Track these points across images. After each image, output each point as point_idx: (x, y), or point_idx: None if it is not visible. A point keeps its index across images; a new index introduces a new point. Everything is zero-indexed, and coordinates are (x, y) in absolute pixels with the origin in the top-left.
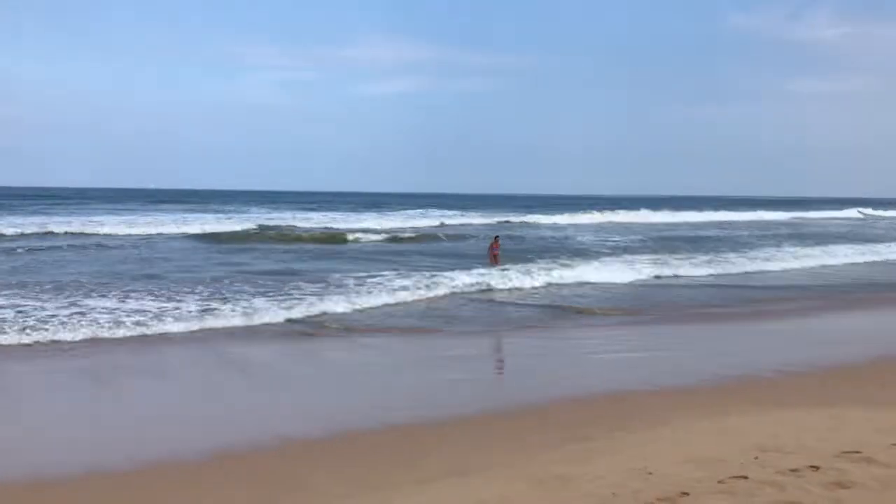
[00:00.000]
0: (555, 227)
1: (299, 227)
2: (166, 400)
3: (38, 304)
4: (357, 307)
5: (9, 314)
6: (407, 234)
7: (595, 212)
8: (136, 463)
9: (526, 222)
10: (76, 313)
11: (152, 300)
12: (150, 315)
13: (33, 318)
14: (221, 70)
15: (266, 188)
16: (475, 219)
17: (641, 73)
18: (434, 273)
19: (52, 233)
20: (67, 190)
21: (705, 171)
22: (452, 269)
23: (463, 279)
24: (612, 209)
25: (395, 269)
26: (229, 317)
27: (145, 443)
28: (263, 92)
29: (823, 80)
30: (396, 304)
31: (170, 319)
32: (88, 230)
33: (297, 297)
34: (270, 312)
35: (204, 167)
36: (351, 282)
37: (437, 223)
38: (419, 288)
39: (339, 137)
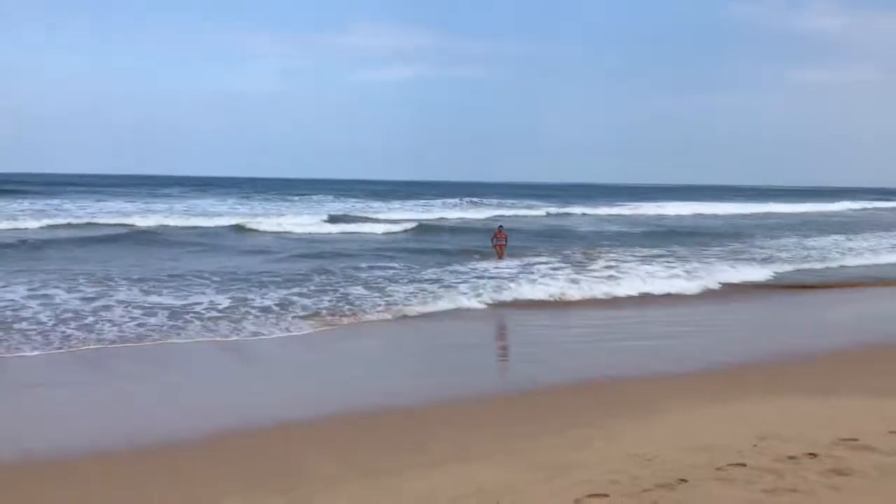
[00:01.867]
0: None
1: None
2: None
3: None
4: None
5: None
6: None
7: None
8: (139, 446)
9: (569, 213)
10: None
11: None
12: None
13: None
14: (219, 58)
15: (266, 175)
16: (533, 210)
17: (642, 62)
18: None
19: (139, 226)
20: (70, 176)
21: (704, 161)
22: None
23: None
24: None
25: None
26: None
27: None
28: (262, 80)
29: (825, 70)
30: None
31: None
32: (181, 223)
33: None
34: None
35: (202, 154)
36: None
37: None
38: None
39: (338, 125)
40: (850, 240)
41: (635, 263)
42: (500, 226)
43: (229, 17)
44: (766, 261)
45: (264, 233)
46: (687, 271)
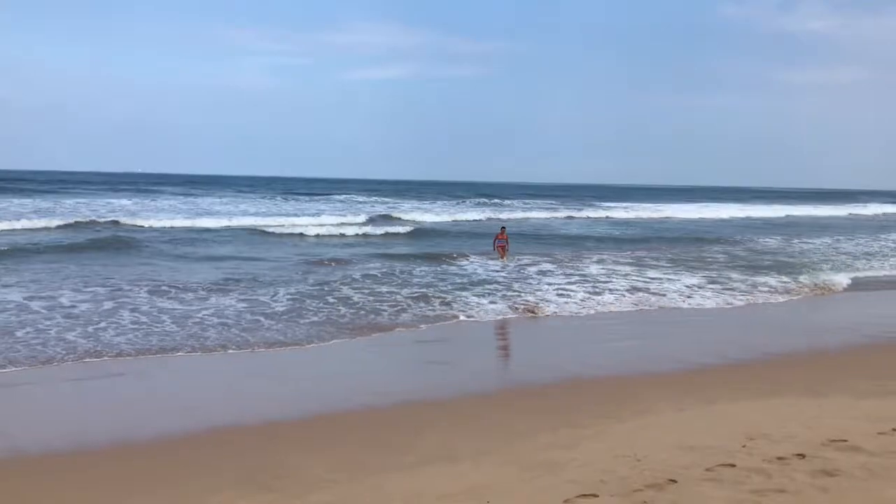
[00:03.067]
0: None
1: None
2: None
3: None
4: None
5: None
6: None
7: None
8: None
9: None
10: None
11: None
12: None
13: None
14: (212, 54)
15: (259, 174)
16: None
17: (633, 62)
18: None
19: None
20: (60, 173)
21: (696, 161)
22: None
23: None
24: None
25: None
26: None
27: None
28: (255, 77)
29: (816, 71)
30: None
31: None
32: (193, 224)
33: None
34: None
35: (194, 152)
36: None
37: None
38: None
39: (332, 123)
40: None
41: (635, 268)
42: (503, 227)
43: (222, 14)
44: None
45: (281, 235)
46: (712, 280)
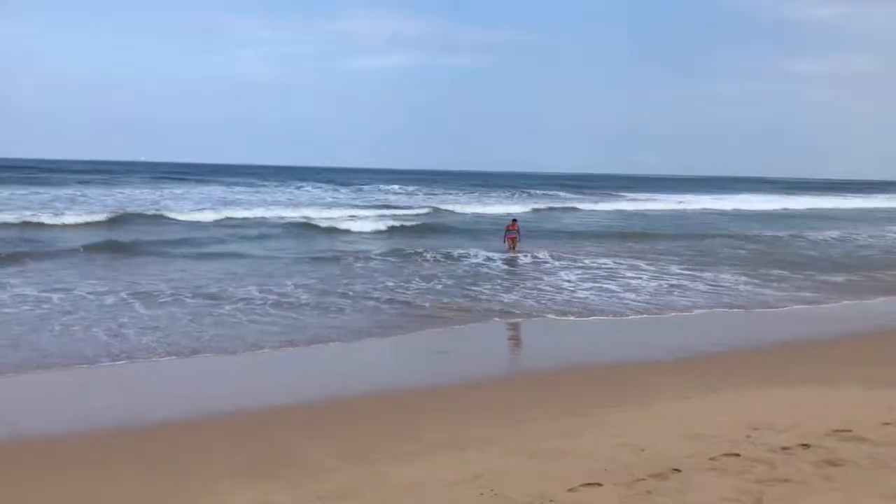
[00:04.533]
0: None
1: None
2: None
3: None
4: None
5: None
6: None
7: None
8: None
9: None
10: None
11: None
12: None
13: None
14: (213, 43)
15: (262, 163)
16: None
17: (638, 51)
18: None
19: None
20: (64, 162)
21: (698, 151)
22: None
23: None
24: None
25: None
26: None
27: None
28: (257, 65)
29: (820, 61)
30: None
31: None
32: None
33: None
34: None
35: (193, 141)
36: None
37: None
38: None
39: (335, 112)
40: None
41: (641, 261)
42: (514, 220)
43: (221, 4)
44: None
45: (324, 229)
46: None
